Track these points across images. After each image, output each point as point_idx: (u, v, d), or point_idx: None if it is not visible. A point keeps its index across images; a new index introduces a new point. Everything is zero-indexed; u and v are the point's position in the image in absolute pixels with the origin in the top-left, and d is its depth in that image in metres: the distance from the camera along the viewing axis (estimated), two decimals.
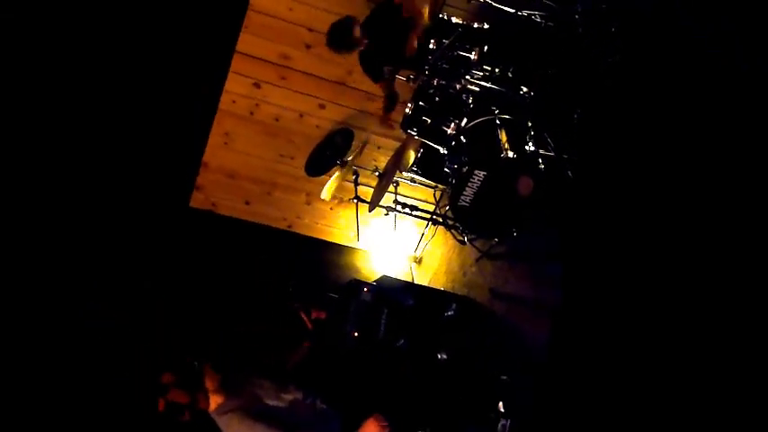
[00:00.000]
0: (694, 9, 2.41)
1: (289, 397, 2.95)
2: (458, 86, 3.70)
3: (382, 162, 4.75)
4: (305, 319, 3.42)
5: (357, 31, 3.91)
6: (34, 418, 4.04)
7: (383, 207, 4.39)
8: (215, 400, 2.83)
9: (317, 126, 4.94)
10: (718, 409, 2.28)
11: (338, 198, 5.07)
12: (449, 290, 4.52)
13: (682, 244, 2.55)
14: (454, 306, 3.93)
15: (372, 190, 4.37)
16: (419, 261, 5.45)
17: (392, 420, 2.91)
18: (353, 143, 4.43)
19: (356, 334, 3.49)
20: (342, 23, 3.94)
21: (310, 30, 4.63)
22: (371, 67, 4.24)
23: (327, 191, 4.38)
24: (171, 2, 4.50)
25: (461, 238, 4.31)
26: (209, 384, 2.83)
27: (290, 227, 5.31)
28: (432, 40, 3.74)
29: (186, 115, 4.75)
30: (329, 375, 3.37)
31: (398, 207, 4.40)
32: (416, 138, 3.85)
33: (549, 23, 3.88)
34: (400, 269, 5.45)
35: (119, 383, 4.20)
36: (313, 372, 3.27)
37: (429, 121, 3.77)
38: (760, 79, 2.12)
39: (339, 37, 3.94)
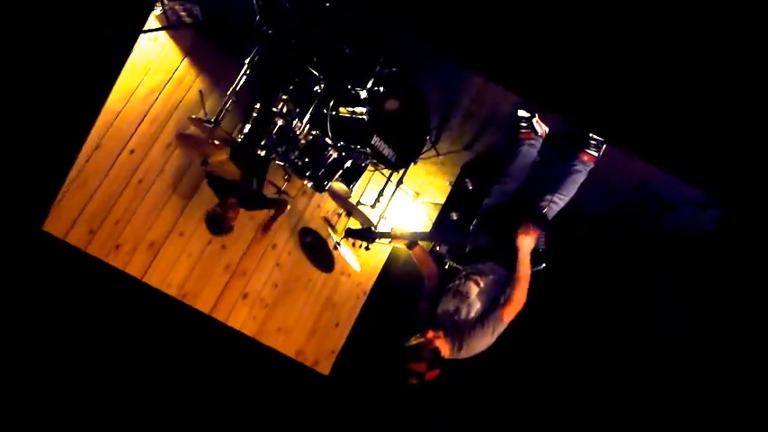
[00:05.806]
0: None
1: (469, 293, 3.36)
2: (303, 141, 4.43)
3: (344, 219, 5.64)
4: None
5: (228, 202, 4.55)
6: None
7: (371, 225, 4.79)
8: (446, 349, 3.21)
9: (309, 280, 5.96)
10: None
11: (363, 255, 5.62)
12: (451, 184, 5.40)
13: None
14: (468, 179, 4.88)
15: (358, 224, 4.85)
16: (419, 194, 6.36)
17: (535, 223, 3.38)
18: (323, 233, 5.23)
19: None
20: (210, 219, 4.53)
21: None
22: (260, 204, 4.96)
23: (356, 263, 4.99)
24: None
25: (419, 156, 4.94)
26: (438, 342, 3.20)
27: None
28: (260, 152, 4.39)
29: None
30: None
31: (377, 203, 5.03)
32: (335, 184, 4.48)
33: None
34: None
35: None
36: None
37: (323, 170, 4.39)
38: None
39: (217, 225, 4.55)
